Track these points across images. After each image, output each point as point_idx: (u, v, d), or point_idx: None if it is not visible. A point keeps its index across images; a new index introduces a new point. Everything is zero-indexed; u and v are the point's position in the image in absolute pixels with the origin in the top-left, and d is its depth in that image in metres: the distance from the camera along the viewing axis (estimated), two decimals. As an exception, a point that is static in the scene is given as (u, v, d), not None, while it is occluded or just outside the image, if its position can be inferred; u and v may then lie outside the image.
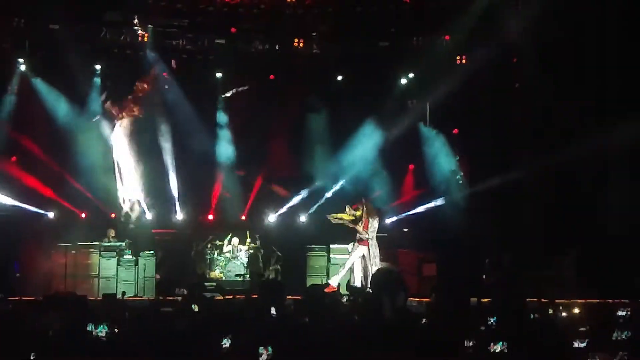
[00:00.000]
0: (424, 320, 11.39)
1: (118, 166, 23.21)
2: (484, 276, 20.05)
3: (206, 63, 23.57)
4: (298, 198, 23.85)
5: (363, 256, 19.61)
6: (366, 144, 23.38)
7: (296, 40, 22.76)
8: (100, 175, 23.00)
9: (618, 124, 19.13)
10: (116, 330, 9.37)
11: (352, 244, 20.08)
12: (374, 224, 19.78)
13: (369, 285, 18.67)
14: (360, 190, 22.64)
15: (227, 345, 8.85)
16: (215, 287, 19.96)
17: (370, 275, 18.83)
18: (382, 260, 19.69)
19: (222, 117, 24.14)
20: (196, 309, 13.27)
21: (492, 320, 11.16)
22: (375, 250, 19.67)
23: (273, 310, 13.04)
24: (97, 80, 23.20)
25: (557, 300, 15.32)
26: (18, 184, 22.15)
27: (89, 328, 9.38)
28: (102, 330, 9.32)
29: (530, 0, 20.66)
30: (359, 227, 19.74)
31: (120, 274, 20.77)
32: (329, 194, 23.52)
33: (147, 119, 23.46)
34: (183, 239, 22.84)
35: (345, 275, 19.88)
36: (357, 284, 19.25)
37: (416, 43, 22.55)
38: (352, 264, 19.79)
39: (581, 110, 20.40)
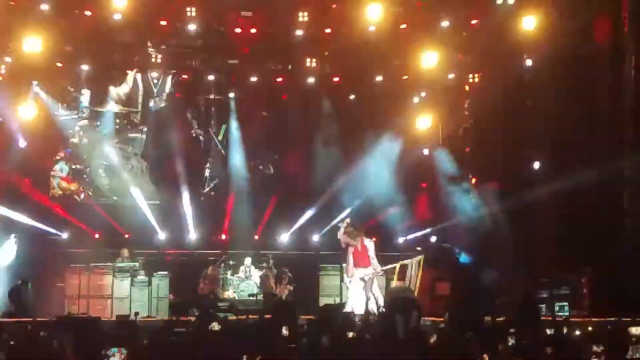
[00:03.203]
0: (433, 339, 11.35)
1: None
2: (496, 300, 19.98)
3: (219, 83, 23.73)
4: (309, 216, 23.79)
5: (362, 278, 18.84)
6: (380, 164, 23.35)
7: (309, 59, 22.77)
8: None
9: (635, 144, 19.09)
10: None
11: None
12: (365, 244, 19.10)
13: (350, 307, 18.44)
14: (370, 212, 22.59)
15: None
16: (229, 307, 19.91)
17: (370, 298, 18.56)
18: (398, 279, 19.40)
19: (235, 137, 24.20)
20: (217, 328, 13.29)
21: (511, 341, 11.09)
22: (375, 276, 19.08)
23: (284, 331, 13.04)
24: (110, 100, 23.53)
25: (571, 319, 15.26)
26: (32, 204, 22.23)
27: (103, 352, 9.35)
28: (114, 353, 9.29)
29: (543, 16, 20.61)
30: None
31: (134, 294, 20.77)
32: (342, 214, 23.47)
33: (158, 137, 23.64)
34: (196, 259, 22.80)
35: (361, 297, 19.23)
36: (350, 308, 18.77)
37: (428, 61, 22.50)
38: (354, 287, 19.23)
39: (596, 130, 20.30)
